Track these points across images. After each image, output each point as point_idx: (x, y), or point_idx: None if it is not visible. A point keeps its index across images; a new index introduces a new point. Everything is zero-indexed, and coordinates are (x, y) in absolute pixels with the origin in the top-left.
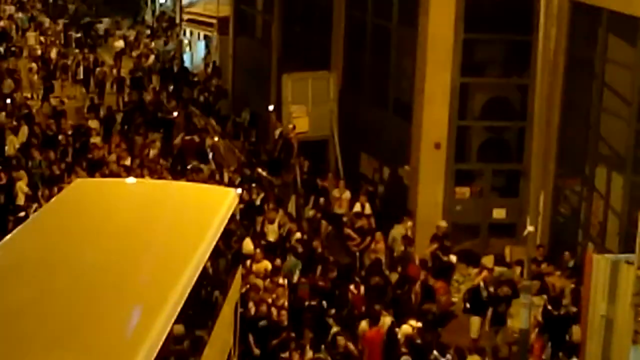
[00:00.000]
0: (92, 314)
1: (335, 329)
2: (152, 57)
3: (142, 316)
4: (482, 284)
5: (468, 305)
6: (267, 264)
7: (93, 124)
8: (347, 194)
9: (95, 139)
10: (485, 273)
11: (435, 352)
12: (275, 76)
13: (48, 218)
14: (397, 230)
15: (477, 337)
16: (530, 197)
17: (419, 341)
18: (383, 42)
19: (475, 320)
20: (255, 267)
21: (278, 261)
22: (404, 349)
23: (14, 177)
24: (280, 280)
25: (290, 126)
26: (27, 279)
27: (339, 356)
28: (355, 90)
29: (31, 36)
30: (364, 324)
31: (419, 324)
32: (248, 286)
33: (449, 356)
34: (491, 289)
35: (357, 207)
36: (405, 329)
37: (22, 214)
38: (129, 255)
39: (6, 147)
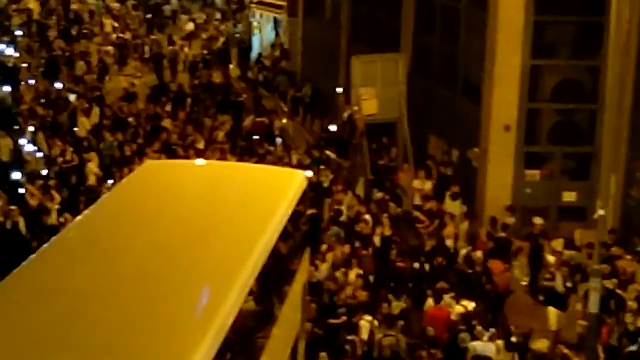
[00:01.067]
0: (161, 294)
1: (401, 305)
2: (221, 40)
3: (211, 296)
4: (559, 276)
5: (542, 298)
6: (341, 249)
7: (166, 107)
8: (428, 185)
9: (166, 122)
10: (553, 266)
11: (479, 327)
12: (344, 58)
13: (118, 199)
14: (450, 206)
15: (556, 329)
16: (601, 180)
17: (474, 322)
18: (453, 23)
19: (552, 312)
20: (328, 255)
21: (346, 248)
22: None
23: (85, 158)
24: (351, 275)
25: (355, 108)
26: (98, 259)
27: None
28: (424, 72)
29: (108, 23)
30: (430, 302)
31: (472, 304)
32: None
33: (492, 330)
34: (569, 284)
35: (448, 202)
36: (458, 309)
37: (93, 194)
38: (198, 236)
39: (78, 129)
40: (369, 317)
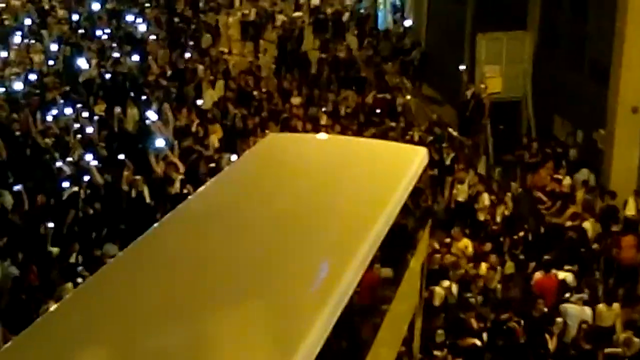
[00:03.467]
0: (282, 266)
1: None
2: (346, 14)
3: (331, 269)
4: None
5: None
6: (467, 243)
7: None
8: (567, 180)
9: (295, 100)
10: None
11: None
12: (469, 35)
13: (241, 171)
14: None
15: None
16: None
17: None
18: (582, 2)
19: None
20: (455, 246)
21: (488, 245)
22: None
23: (209, 130)
24: (483, 267)
25: (482, 86)
26: (219, 230)
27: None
28: (550, 51)
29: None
30: (538, 274)
31: (568, 273)
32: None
33: (584, 296)
34: None
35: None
36: (565, 276)
37: (212, 165)
38: (319, 209)
39: (203, 101)
40: (447, 283)
